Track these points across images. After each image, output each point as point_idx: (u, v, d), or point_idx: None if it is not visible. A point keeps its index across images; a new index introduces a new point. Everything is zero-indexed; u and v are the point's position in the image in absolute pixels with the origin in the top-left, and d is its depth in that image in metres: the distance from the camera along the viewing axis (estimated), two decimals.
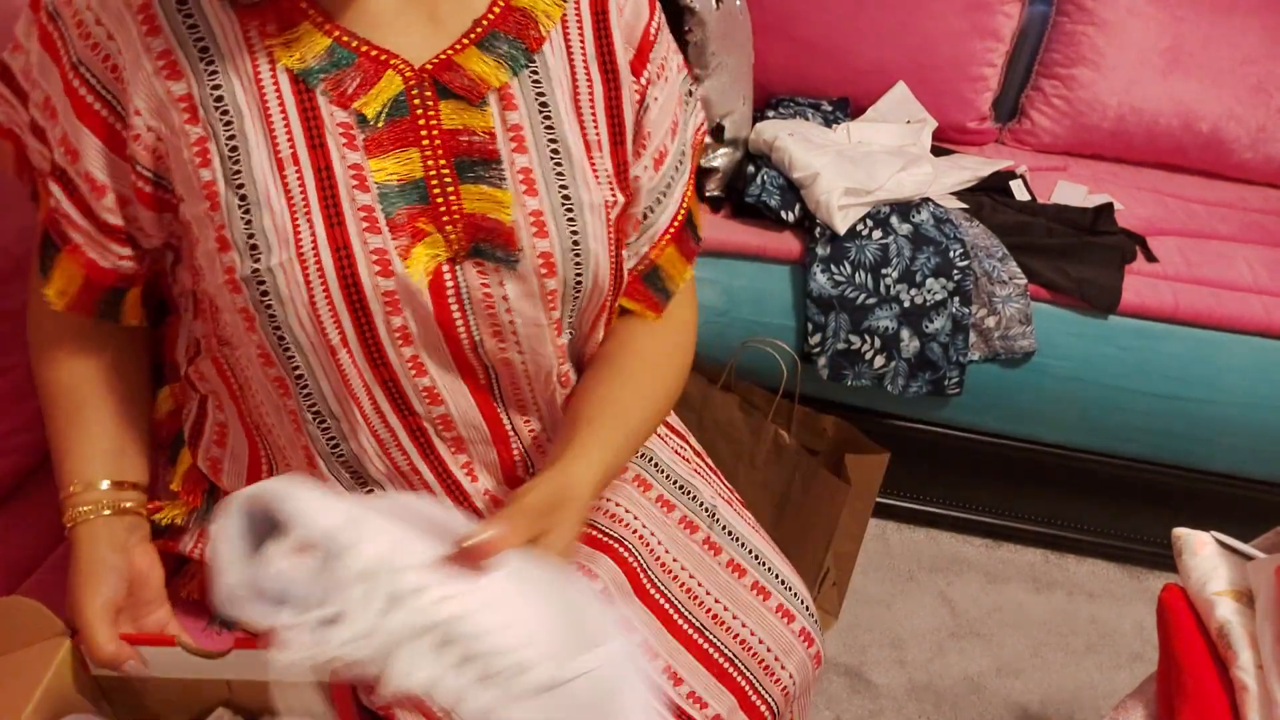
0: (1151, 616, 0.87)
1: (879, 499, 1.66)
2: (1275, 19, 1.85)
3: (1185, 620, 0.82)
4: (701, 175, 1.63)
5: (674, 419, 0.98)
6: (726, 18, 1.56)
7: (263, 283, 0.62)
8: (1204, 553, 0.85)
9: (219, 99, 0.62)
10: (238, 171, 0.62)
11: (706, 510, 0.86)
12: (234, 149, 0.62)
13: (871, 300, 1.49)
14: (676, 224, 0.79)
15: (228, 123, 0.62)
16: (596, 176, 0.70)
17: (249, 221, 0.62)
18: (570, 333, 0.74)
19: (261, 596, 0.47)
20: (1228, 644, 0.77)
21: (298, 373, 0.67)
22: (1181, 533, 0.87)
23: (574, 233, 0.68)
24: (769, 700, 0.80)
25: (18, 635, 0.60)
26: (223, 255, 0.63)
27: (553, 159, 0.68)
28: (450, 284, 0.66)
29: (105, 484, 0.71)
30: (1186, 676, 0.77)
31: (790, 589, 0.86)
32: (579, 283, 0.70)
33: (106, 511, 0.70)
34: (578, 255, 0.68)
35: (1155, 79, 1.85)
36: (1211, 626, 0.79)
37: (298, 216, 0.62)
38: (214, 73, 0.62)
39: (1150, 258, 1.61)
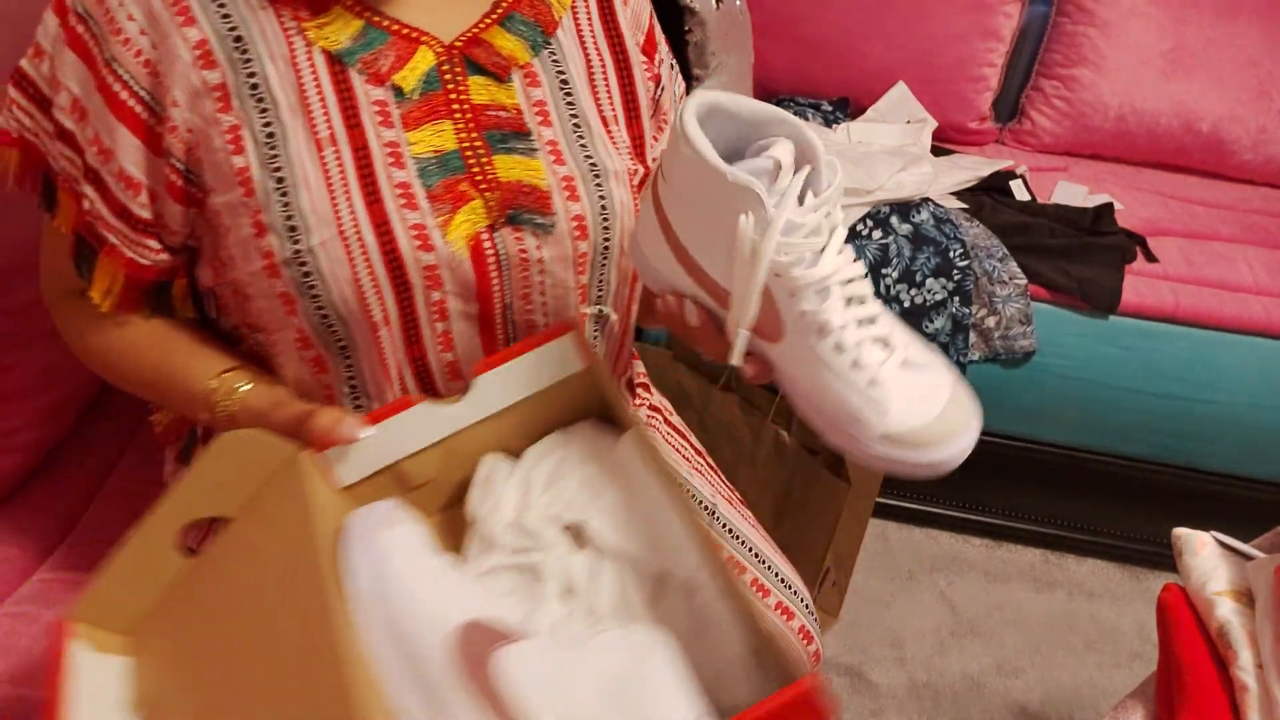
0: (1151, 616, 0.87)
1: (879, 499, 1.66)
2: (1276, 21, 1.85)
3: (1185, 620, 0.82)
4: None
5: (675, 418, 0.98)
6: (726, 18, 1.56)
7: (304, 264, 0.64)
8: (1204, 553, 0.85)
9: (254, 86, 0.63)
10: (274, 156, 0.63)
11: (706, 509, 0.87)
12: (270, 134, 0.63)
13: None
14: None
15: (264, 109, 0.63)
16: (616, 147, 0.74)
17: (287, 204, 0.63)
18: (599, 309, 0.75)
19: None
20: (1228, 644, 0.77)
21: (341, 346, 0.68)
22: (1181, 533, 0.87)
23: (601, 197, 0.71)
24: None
25: (256, 465, 0.59)
26: (259, 240, 0.64)
27: (575, 131, 0.71)
28: (490, 250, 0.68)
29: (229, 372, 0.70)
30: (1186, 676, 0.77)
31: (790, 587, 0.86)
32: (607, 246, 0.72)
33: (243, 387, 0.69)
34: (605, 219, 0.71)
35: (1156, 80, 1.85)
36: (1211, 626, 0.79)
37: (336, 196, 0.64)
38: (249, 60, 0.63)
39: (1150, 258, 1.61)
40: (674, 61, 0.83)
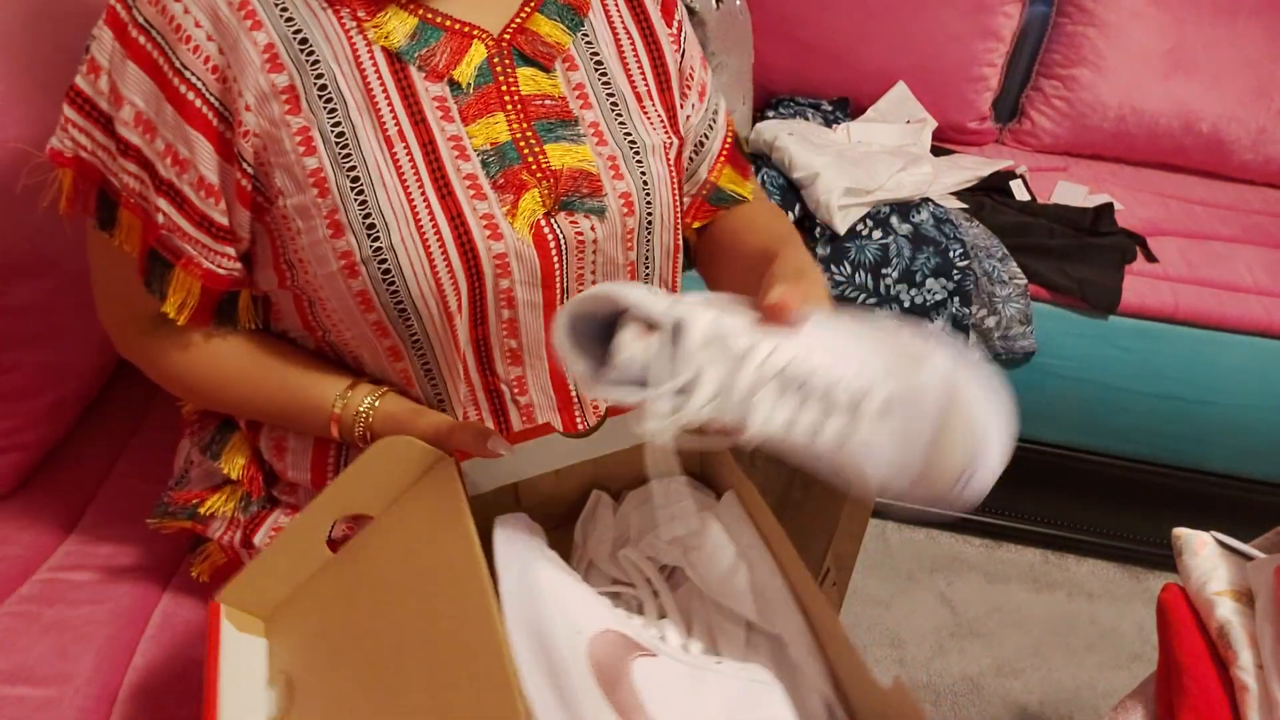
0: (1151, 616, 0.87)
1: (879, 499, 1.66)
2: (1276, 21, 1.85)
3: (1185, 620, 0.82)
4: None
5: None
6: (726, 18, 1.56)
7: (384, 261, 0.65)
8: (1204, 553, 0.85)
9: (323, 87, 0.64)
10: (347, 155, 0.64)
11: None
12: (341, 134, 0.64)
13: (871, 300, 1.50)
14: (728, 145, 0.88)
15: (332, 110, 0.64)
16: (650, 122, 0.76)
17: (364, 203, 0.64)
18: (646, 285, 0.76)
19: (621, 380, 0.53)
20: (1228, 644, 0.77)
21: (415, 339, 0.69)
22: (1181, 533, 0.87)
23: (643, 174, 0.74)
24: None
25: (406, 470, 0.63)
26: (336, 241, 0.65)
27: (613, 110, 0.74)
28: (550, 236, 0.69)
29: (351, 390, 0.72)
30: (1186, 676, 0.77)
31: None
32: (650, 221, 0.75)
33: (375, 401, 0.71)
34: (648, 194, 0.74)
35: (1156, 80, 1.85)
36: (1211, 626, 0.79)
37: (411, 191, 0.65)
38: (315, 62, 0.64)
39: (1150, 258, 1.61)
40: (688, 24, 0.85)
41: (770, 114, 1.84)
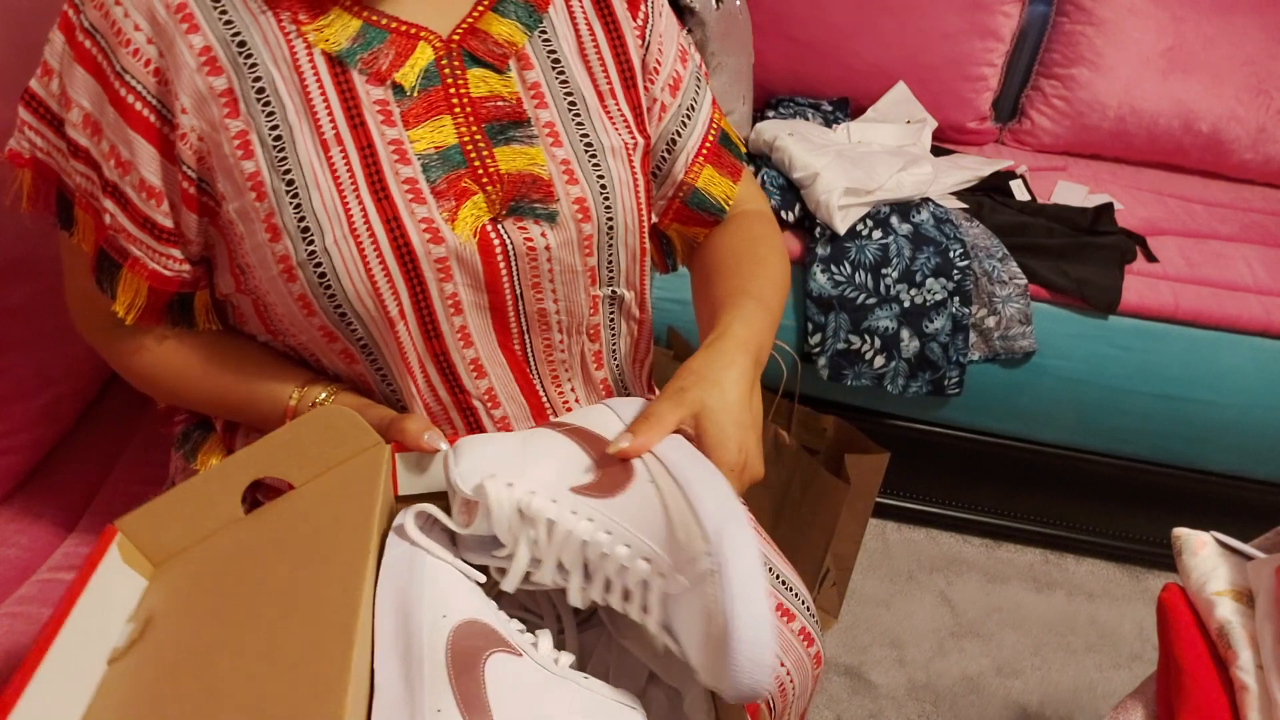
0: (1151, 616, 0.87)
1: (879, 499, 1.66)
2: (1276, 19, 1.85)
3: (1185, 620, 0.81)
4: None
5: None
6: (726, 18, 1.56)
7: (319, 264, 0.64)
8: (1204, 553, 0.85)
9: (260, 90, 0.64)
10: (283, 159, 0.64)
11: None
12: (278, 138, 0.64)
13: (871, 300, 1.50)
14: (709, 143, 0.83)
15: (270, 113, 0.64)
16: (613, 122, 0.74)
17: (298, 206, 0.64)
18: (611, 289, 0.76)
19: (479, 548, 0.56)
20: (1228, 644, 0.77)
21: (362, 344, 0.69)
22: (1181, 533, 0.87)
23: (600, 177, 0.71)
24: (768, 697, 0.80)
25: (340, 444, 0.61)
26: (274, 244, 0.65)
27: (570, 110, 0.72)
28: (496, 241, 0.68)
29: (309, 384, 0.73)
30: (1186, 676, 0.77)
31: (790, 589, 0.86)
32: (611, 226, 0.73)
33: (330, 397, 0.71)
34: (607, 199, 0.72)
35: (1155, 79, 1.85)
36: (1211, 626, 0.79)
37: (346, 194, 0.64)
38: (254, 65, 0.64)
39: (1150, 258, 1.61)
40: (677, 25, 0.82)
41: (770, 114, 1.84)
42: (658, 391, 0.94)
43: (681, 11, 1.49)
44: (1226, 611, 0.79)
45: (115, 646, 0.54)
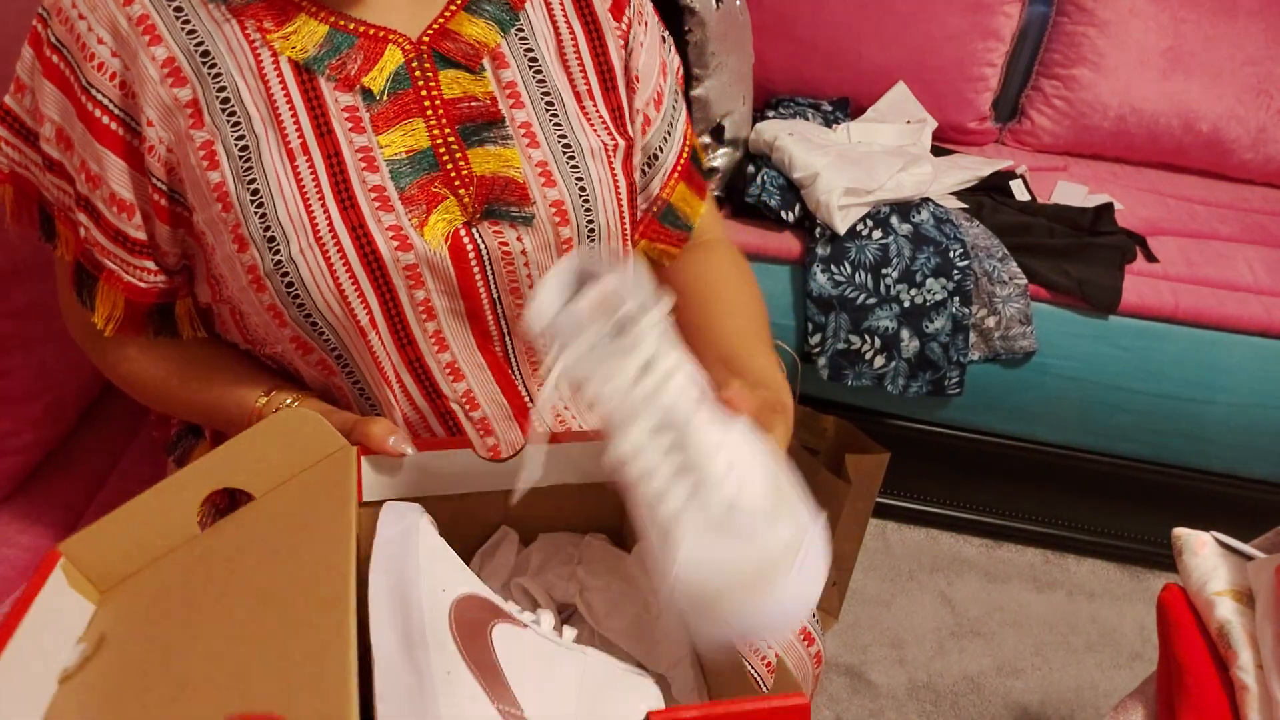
0: (1151, 616, 0.88)
1: (879, 499, 1.66)
2: (1276, 20, 1.85)
3: (1185, 620, 0.82)
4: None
5: None
6: (726, 18, 1.56)
7: (286, 274, 0.64)
8: (1204, 553, 0.85)
9: (225, 100, 0.63)
10: (249, 169, 0.63)
11: None
12: (244, 148, 0.63)
13: (871, 300, 1.50)
14: (683, 161, 0.82)
15: (235, 123, 0.63)
16: (591, 123, 0.72)
17: (263, 216, 0.63)
18: None
19: (557, 333, 0.51)
20: (1228, 644, 0.77)
21: (336, 354, 0.68)
22: (1181, 533, 0.87)
23: (579, 179, 0.70)
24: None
25: (304, 449, 0.59)
26: (242, 255, 0.64)
27: (548, 110, 0.70)
28: (469, 246, 0.67)
29: (275, 389, 0.72)
30: (1186, 676, 0.77)
31: None
32: (591, 229, 0.71)
33: (295, 403, 0.70)
34: (586, 201, 0.70)
35: (1156, 79, 1.85)
36: (1211, 626, 0.79)
37: (311, 203, 0.63)
38: (218, 75, 0.63)
39: (1150, 258, 1.61)
40: (666, 33, 0.81)
41: (770, 114, 1.84)
42: None
43: (681, 11, 1.49)
44: (1226, 611, 0.79)
45: (65, 666, 0.51)
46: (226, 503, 0.74)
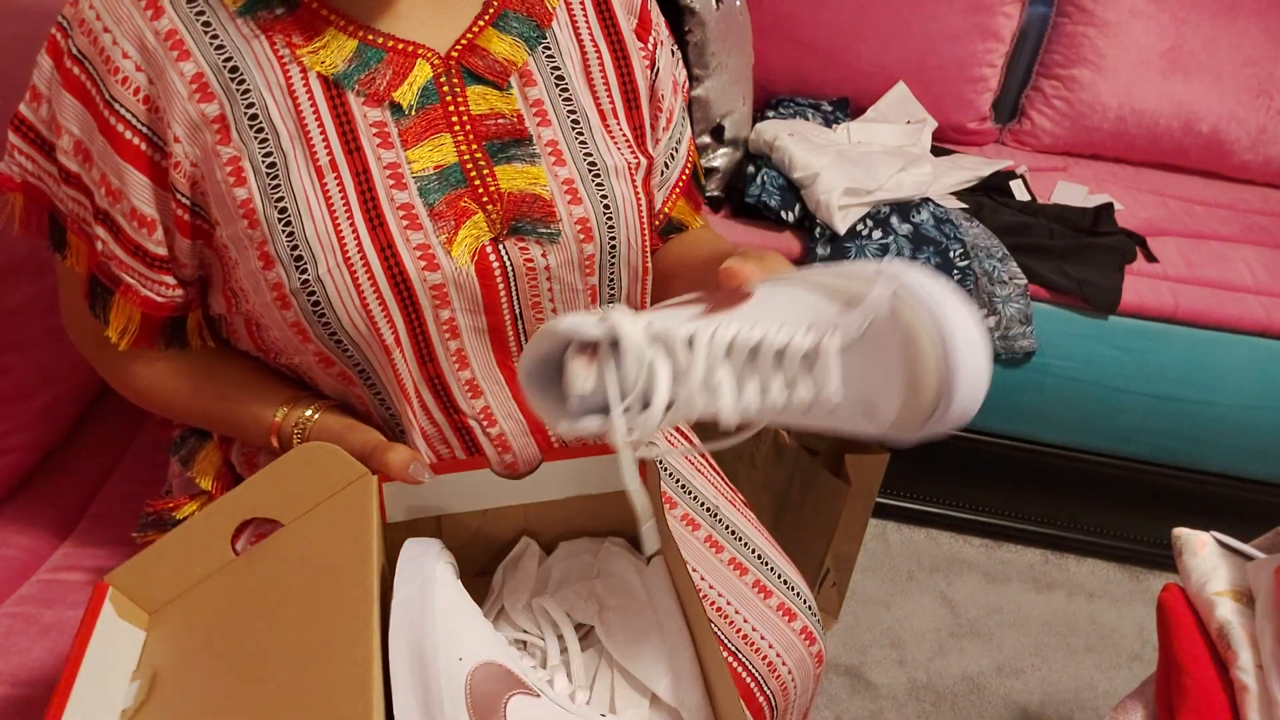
0: (1151, 616, 0.87)
1: (879, 499, 1.66)
2: (1276, 21, 1.85)
3: (1185, 620, 0.81)
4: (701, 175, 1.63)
5: None
6: (726, 18, 1.56)
7: (313, 293, 0.63)
8: (1204, 553, 0.85)
9: (254, 117, 0.62)
10: (276, 186, 0.62)
11: (708, 510, 0.86)
12: (272, 164, 0.62)
13: None
14: (685, 177, 0.84)
15: (263, 140, 0.62)
16: (615, 141, 0.72)
17: (291, 234, 0.62)
18: (612, 306, 0.74)
19: (585, 411, 0.50)
20: (1228, 644, 0.77)
21: (359, 369, 0.68)
22: (1181, 533, 0.87)
23: (604, 197, 0.70)
24: (770, 696, 0.80)
25: (325, 480, 0.61)
26: (267, 272, 0.64)
27: (574, 129, 0.70)
28: (495, 262, 0.67)
29: (295, 401, 0.72)
30: (1186, 677, 0.77)
31: (792, 588, 0.86)
32: (614, 246, 0.71)
33: (314, 414, 0.71)
34: (610, 219, 0.70)
35: (1156, 80, 1.85)
36: (1211, 626, 0.79)
37: (340, 222, 0.63)
38: (246, 91, 0.62)
39: (1150, 258, 1.61)
40: (674, 46, 0.82)
41: (770, 114, 1.84)
42: None
43: (681, 11, 1.49)
44: (1226, 612, 0.79)
45: (123, 709, 0.53)
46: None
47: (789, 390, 0.47)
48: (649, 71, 0.76)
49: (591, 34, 0.73)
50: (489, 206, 0.66)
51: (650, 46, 0.76)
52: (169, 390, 0.74)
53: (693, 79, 1.55)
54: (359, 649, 0.48)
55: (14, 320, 0.91)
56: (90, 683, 0.52)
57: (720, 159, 1.64)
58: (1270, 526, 0.90)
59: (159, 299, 0.68)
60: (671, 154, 0.81)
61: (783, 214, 1.56)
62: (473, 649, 0.51)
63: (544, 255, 0.68)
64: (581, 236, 0.69)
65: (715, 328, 0.48)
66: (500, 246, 0.67)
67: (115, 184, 0.63)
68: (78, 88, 0.62)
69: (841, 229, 1.50)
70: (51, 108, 0.64)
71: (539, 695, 0.51)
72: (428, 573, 0.54)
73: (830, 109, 1.88)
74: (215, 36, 0.62)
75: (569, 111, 0.70)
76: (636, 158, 0.74)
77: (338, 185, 0.63)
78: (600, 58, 0.73)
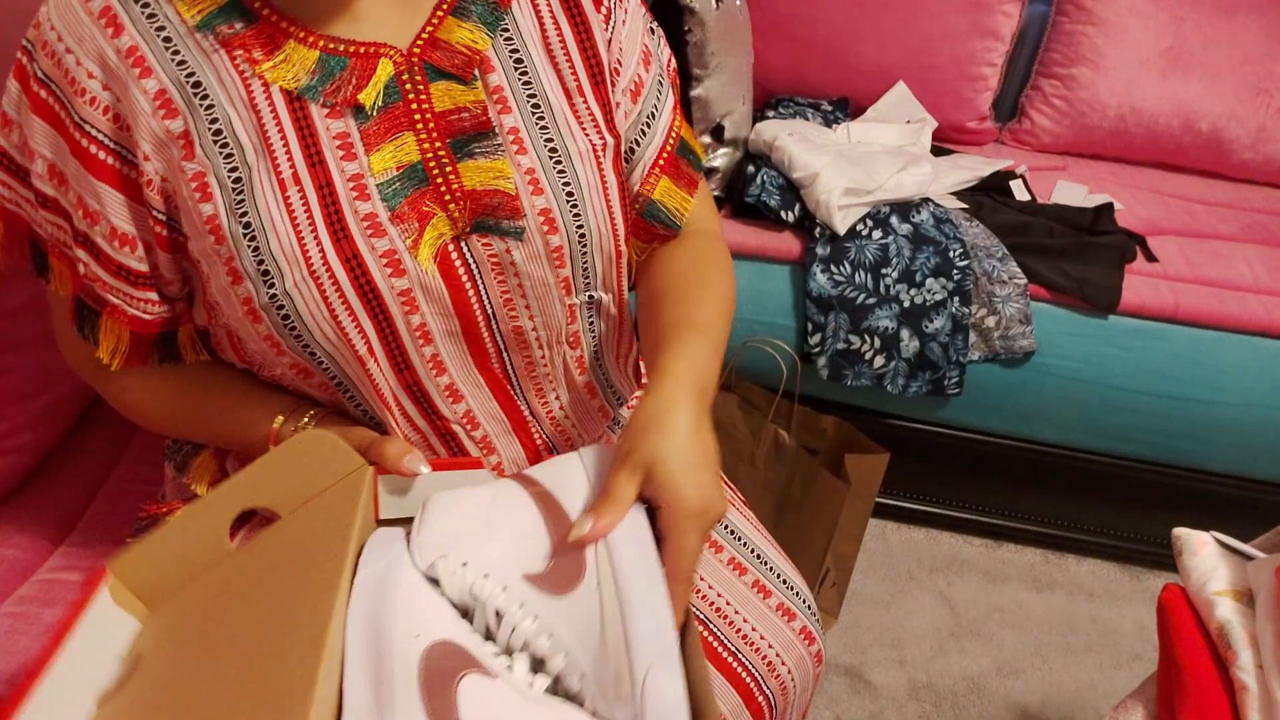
0: (1151, 616, 0.87)
1: (879, 499, 1.66)
2: (1276, 20, 1.85)
3: (1185, 620, 0.81)
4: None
5: None
6: (726, 18, 1.56)
7: (281, 307, 0.63)
8: (1204, 553, 0.85)
9: (217, 132, 0.62)
10: (240, 201, 0.62)
11: None
12: (237, 180, 0.62)
13: (871, 300, 1.49)
14: (666, 154, 0.79)
15: (228, 155, 0.62)
16: (580, 123, 0.70)
17: (256, 249, 0.62)
18: (588, 294, 0.74)
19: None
20: (1228, 644, 0.77)
21: (335, 380, 0.68)
22: (1181, 533, 0.87)
23: (566, 184, 0.69)
24: (769, 696, 0.80)
25: (322, 470, 0.61)
26: (236, 287, 0.63)
27: (534, 114, 0.68)
28: (458, 260, 0.67)
29: (293, 409, 0.72)
30: (1186, 676, 0.77)
31: (791, 588, 0.86)
32: (583, 235, 0.70)
33: (309, 422, 0.71)
34: (575, 208, 0.69)
35: (1155, 79, 1.85)
36: (1211, 626, 0.79)
37: (304, 236, 0.62)
38: (210, 106, 0.62)
39: (1150, 258, 1.61)
40: (654, 24, 0.79)
41: (770, 114, 1.84)
42: (641, 386, 0.93)
43: (681, 11, 1.49)
44: (1226, 611, 0.79)
45: (105, 688, 0.53)
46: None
47: (563, 689, 0.52)
48: (610, 44, 0.73)
49: (551, 10, 0.70)
50: (451, 205, 0.66)
51: (604, 13, 0.72)
52: (166, 406, 0.74)
53: (693, 79, 1.55)
54: (315, 627, 0.47)
55: (14, 321, 0.91)
56: (73, 661, 0.51)
57: (720, 159, 1.64)
58: (1270, 526, 0.90)
59: (146, 316, 0.68)
60: (642, 130, 0.77)
61: (782, 214, 1.56)
62: (431, 626, 0.51)
63: (508, 251, 0.67)
64: (546, 228, 0.68)
65: (520, 620, 0.53)
66: (463, 245, 0.66)
67: (93, 205, 0.63)
68: (46, 111, 0.62)
69: (841, 229, 1.50)
70: (23, 133, 0.64)
71: (495, 676, 0.51)
72: (394, 555, 0.54)
73: (830, 109, 1.88)
74: (176, 52, 0.61)
75: (529, 96, 0.68)
76: (604, 138, 0.72)
77: (300, 198, 0.62)
78: (560, 33, 0.70)
